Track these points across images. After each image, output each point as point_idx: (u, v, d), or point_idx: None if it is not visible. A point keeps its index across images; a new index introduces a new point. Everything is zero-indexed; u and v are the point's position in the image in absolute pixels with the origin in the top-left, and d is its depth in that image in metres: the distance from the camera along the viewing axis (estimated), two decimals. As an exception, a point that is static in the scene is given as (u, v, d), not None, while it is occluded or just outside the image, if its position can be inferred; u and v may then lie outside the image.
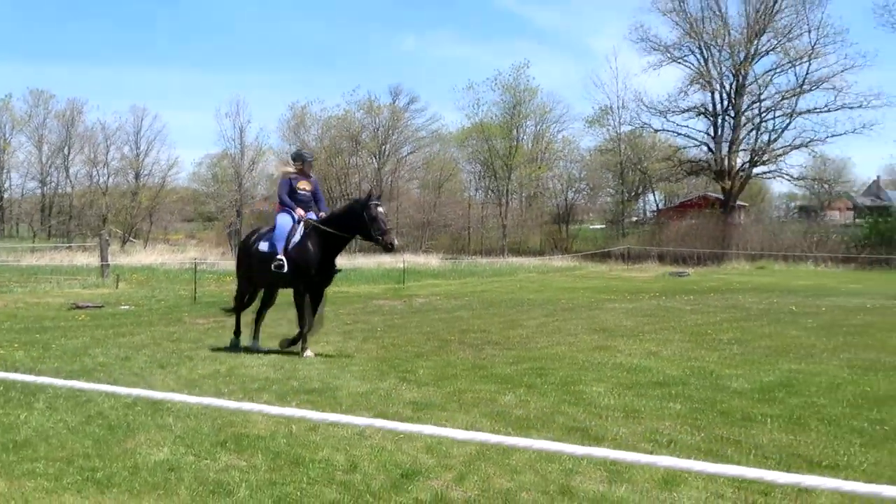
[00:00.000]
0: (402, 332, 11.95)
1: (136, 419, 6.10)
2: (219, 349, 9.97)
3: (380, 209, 9.52)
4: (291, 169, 10.30)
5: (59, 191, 62.03)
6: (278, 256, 9.63)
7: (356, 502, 4.38)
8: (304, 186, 10.18)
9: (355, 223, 9.61)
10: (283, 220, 9.90)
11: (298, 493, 4.48)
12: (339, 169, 59.95)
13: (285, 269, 9.57)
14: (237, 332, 10.51)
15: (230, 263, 34.64)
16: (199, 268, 22.28)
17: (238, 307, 10.83)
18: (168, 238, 60.65)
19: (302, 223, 9.85)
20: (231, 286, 22.83)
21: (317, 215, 10.03)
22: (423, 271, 31.81)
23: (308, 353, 9.50)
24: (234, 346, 10.23)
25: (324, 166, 58.78)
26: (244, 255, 10.62)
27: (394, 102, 63.23)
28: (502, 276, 31.12)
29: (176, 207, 64.97)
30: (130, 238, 55.40)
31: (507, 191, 59.26)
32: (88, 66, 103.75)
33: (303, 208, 9.99)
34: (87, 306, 15.81)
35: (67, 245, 41.32)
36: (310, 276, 9.70)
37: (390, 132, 62.48)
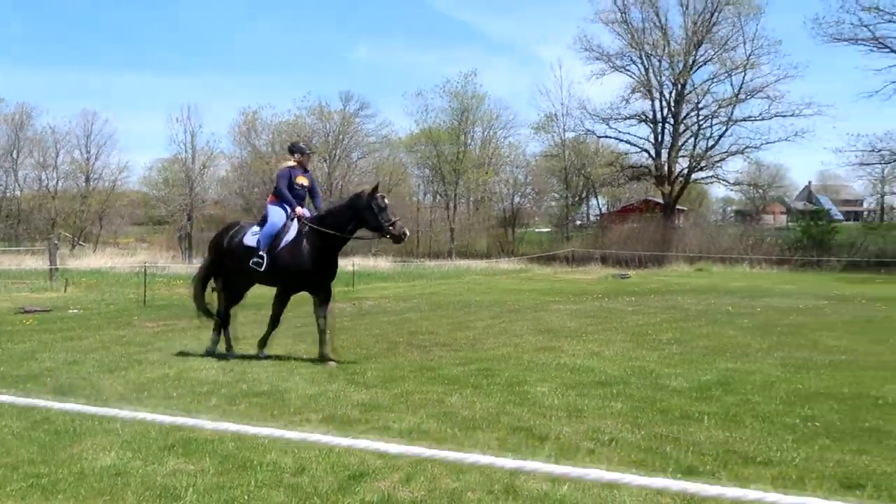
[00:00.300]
0: (351, 334, 11.99)
1: (83, 424, 6.04)
2: (183, 353, 9.88)
3: (386, 200, 9.48)
4: (292, 161, 9.97)
5: (8, 194, 60.59)
6: (260, 252, 9.35)
7: (304, 504, 4.43)
8: (301, 181, 9.88)
9: (360, 217, 9.39)
10: (277, 216, 9.56)
11: (246, 497, 4.51)
12: (286, 174, 59.56)
13: (263, 267, 9.31)
14: (218, 341, 10.01)
15: (180, 267, 34.39)
16: (150, 271, 21.99)
17: (226, 309, 10.16)
18: (118, 242, 59.51)
19: (296, 221, 9.51)
20: (181, 290, 22.75)
21: (310, 211, 9.74)
22: (372, 274, 31.81)
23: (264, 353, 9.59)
24: (212, 353, 9.77)
25: (275, 171, 58.34)
26: (224, 251, 9.92)
27: (345, 108, 63.13)
28: (450, 278, 31.26)
29: (126, 211, 63.92)
30: (80, 242, 54.25)
31: (455, 195, 59.62)
32: (38, 71, 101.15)
33: (298, 204, 9.70)
34: (35, 310, 15.51)
35: (16, 249, 40.29)
36: (302, 278, 9.49)
37: (341, 137, 62.35)
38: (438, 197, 63.93)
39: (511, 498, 4.48)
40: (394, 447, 2.81)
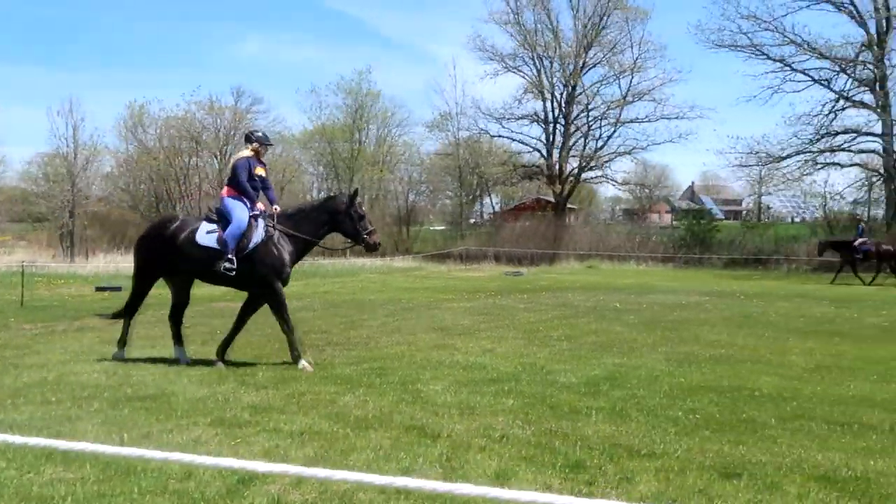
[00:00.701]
0: (243, 334, 11.63)
1: (-51, 434, 5.70)
2: (64, 357, 9.43)
3: (363, 207, 9.15)
4: (249, 151, 9.38)
5: None
6: (228, 256, 8.69)
7: (191, 510, 4.31)
8: (260, 172, 9.32)
9: (335, 221, 9.13)
10: (241, 213, 8.85)
11: (130, 504, 4.36)
12: (178, 170, 57.97)
13: (234, 272, 8.72)
14: (123, 342, 9.42)
15: (61, 266, 32.92)
16: (28, 271, 20.87)
17: (131, 309, 9.64)
18: (-6, 240, 56.52)
19: (262, 222, 8.96)
20: (62, 289, 21.78)
21: (264, 206, 9.24)
22: (263, 273, 31.20)
23: (304, 364, 8.69)
24: (120, 358, 9.17)
25: (163, 167, 56.71)
26: (168, 248, 9.01)
27: (236, 104, 61.79)
28: (344, 276, 31.06)
29: (3, 208, 60.64)
30: (-48, 239, 51.18)
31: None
32: None
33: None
34: None
35: None
36: (281, 280, 9.07)
37: (232, 133, 60.98)
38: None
39: (403, 497, 4.48)
40: (263, 465, 2.76)
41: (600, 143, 50.04)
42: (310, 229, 9.15)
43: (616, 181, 52.72)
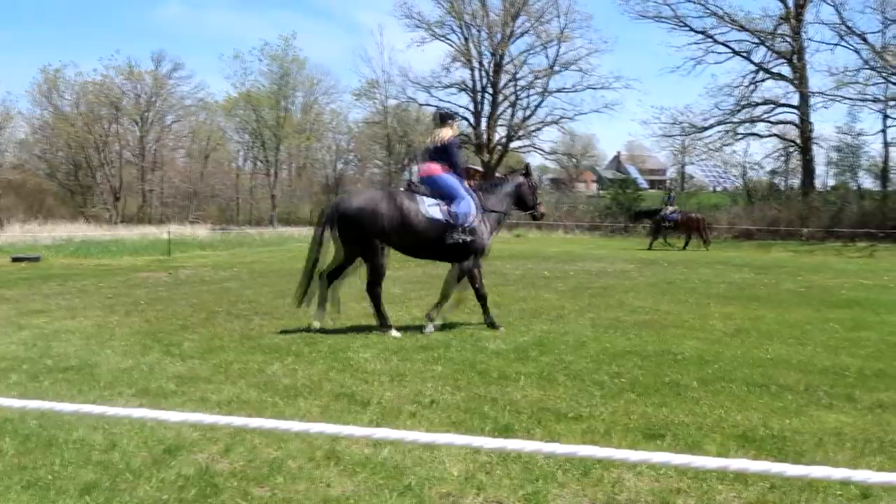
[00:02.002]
0: (168, 304, 11.51)
1: None
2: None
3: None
4: (455, 130, 9.62)
5: None
6: (464, 228, 8.96)
7: (114, 482, 4.21)
8: None
9: (519, 196, 9.91)
10: (467, 191, 9.24)
11: (51, 477, 4.24)
12: (98, 136, 56.23)
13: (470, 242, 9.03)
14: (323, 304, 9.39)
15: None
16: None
17: (333, 275, 9.65)
18: None
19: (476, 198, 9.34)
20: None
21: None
22: (190, 242, 30.60)
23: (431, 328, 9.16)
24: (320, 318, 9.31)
25: (81, 133, 54.89)
26: (394, 218, 8.84)
27: (157, 69, 60.16)
28: (272, 246, 30.65)
29: None
30: None
31: (277, 161, 58.40)
32: None
33: None
34: None
35: None
36: (485, 252, 9.47)
37: (153, 99, 59.37)
38: (259, 163, 62.50)
39: (333, 463, 4.47)
40: (208, 417, 2.72)
41: (528, 113, 50.52)
42: (502, 204, 9.75)
43: (543, 150, 53.40)
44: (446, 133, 9.34)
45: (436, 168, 9.27)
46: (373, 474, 4.32)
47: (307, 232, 39.65)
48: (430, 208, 9.01)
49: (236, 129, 63.99)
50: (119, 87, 58.10)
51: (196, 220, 49.17)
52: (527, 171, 10.09)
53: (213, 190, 58.85)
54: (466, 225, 8.99)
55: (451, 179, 9.21)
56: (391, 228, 8.91)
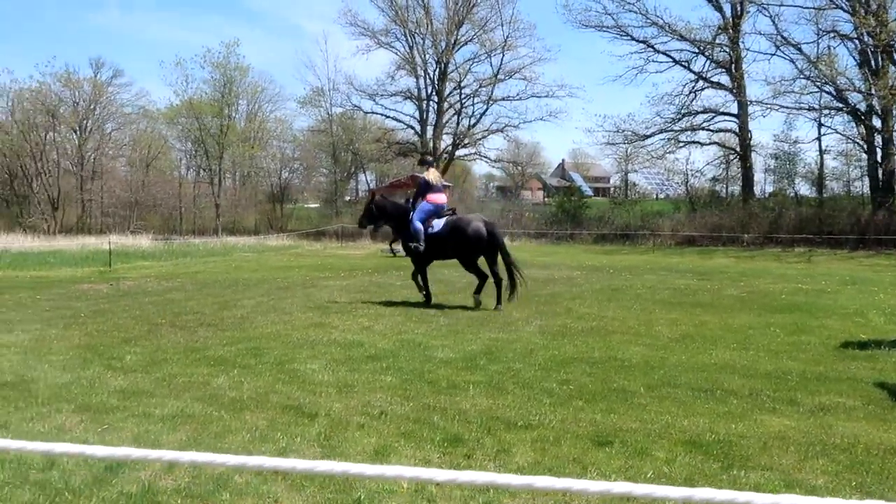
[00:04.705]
0: (109, 316, 11.23)
1: None
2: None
3: None
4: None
5: None
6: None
7: (53, 502, 4.09)
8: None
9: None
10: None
11: (-14, 499, 4.09)
12: (34, 145, 54.82)
13: None
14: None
15: None
16: None
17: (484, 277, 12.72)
18: None
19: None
20: None
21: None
22: (132, 253, 29.96)
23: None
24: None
25: (17, 142, 53.50)
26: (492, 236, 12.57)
27: (96, 76, 58.97)
28: (217, 256, 30.19)
29: None
30: None
31: (221, 170, 57.58)
32: None
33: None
34: None
35: None
36: None
37: (92, 107, 58.14)
38: (203, 172, 61.62)
39: (281, 478, 4.39)
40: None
41: (473, 121, 50.71)
42: None
43: (489, 158, 53.66)
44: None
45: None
46: (321, 488, 4.26)
47: (252, 241, 39.27)
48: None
49: (178, 137, 63.02)
50: (56, 94, 56.77)
51: (138, 230, 48.21)
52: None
53: (155, 199, 57.85)
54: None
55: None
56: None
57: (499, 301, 12.22)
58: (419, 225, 12.52)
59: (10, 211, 56.25)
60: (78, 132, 58.08)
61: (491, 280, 12.48)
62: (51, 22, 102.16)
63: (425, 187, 12.84)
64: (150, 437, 5.17)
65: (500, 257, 12.53)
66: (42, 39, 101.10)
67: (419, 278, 12.99)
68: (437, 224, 12.53)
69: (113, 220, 54.57)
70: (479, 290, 12.50)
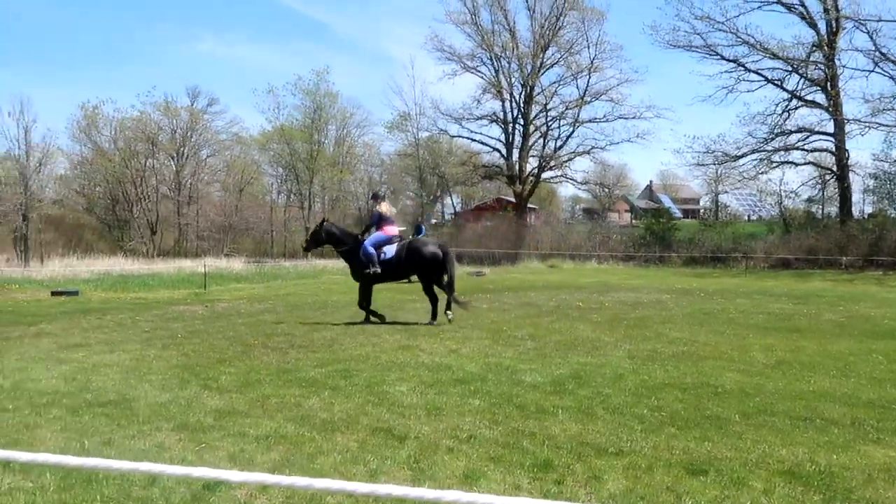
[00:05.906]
0: (205, 337, 11.58)
1: None
2: (21, 363, 9.22)
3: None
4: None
5: None
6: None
7: (156, 517, 4.23)
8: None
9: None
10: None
11: (93, 513, 4.26)
12: (135, 171, 57.26)
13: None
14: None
15: (15, 270, 32.32)
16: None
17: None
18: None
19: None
20: (17, 294, 21.34)
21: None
22: (226, 275, 30.89)
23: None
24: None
25: (119, 169, 55.94)
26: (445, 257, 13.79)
27: (192, 104, 61.39)
28: (307, 278, 30.83)
29: (-46, 212, 59.14)
30: None
31: (311, 194, 58.99)
32: None
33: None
34: None
35: None
36: None
37: (189, 134, 60.43)
38: (293, 196, 63.18)
39: (372, 500, 4.43)
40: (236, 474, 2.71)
41: (559, 143, 50.46)
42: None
43: (576, 181, 53.18)
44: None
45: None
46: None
47: (341, 264, 39.89)
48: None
49: (270, 162, 64.96)
50: (156, 122, 59.15)
51: (231, 253, 49.63)
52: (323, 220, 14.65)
53: (247, 223, 59.53)
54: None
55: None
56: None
57: (448, 306, 13.67)
58: (372, 250, 13.59)
59: (113, 235, 58.69)
60: (175, 158, 60.33)
61: (443, 295, 13.77)
62: (151, 53, 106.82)
63: (379, 219, 13.94)
64: (245, 456, 5.29)
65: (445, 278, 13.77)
66: (143, 70, 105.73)
67: (366, 304, 13.85)
68: (389, 250, 13.67)
69: (208, 244, 56.30)
70: (448, 307, 13.72)
